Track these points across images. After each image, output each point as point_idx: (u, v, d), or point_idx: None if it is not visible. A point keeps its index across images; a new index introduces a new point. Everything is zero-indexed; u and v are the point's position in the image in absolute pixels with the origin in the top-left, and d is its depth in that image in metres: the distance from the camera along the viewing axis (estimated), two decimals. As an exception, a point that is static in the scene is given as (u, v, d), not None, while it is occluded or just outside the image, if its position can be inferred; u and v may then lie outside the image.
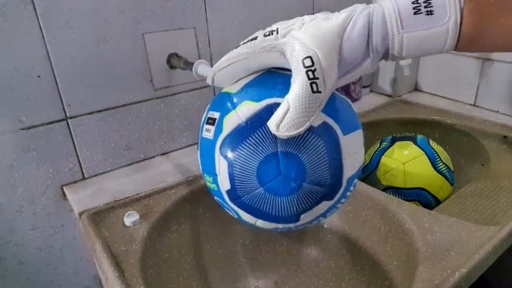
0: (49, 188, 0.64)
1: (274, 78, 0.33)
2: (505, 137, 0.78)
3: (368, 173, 0.75)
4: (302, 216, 0.33)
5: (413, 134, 0.75)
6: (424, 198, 0.69)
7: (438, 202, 0.70)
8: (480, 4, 0.27)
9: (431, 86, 1.05)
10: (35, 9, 0.55)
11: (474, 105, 0.94)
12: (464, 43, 0.28)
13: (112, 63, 0.64)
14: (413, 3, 0.27)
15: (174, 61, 0.68)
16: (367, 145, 0.79)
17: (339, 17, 0.29)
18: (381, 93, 1.08)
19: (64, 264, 0.70)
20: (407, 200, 0.61)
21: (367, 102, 1.01)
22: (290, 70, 0.30)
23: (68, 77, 0.60)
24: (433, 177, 0.69)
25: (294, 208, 0.32)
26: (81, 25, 0.59)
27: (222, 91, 0.36)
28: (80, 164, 0.66)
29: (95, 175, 0.68)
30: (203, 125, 0.35)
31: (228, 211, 0.36)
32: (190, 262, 0.59)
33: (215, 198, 0.37)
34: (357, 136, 0.34)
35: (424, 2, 0.27)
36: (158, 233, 0.56)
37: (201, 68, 0.55)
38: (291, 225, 0.34)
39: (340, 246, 0.63)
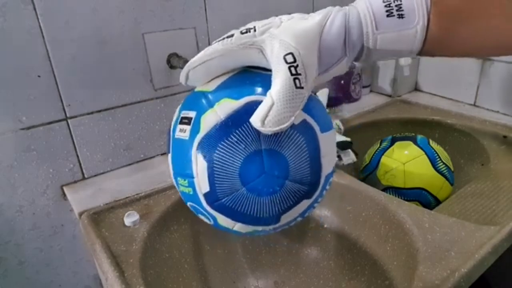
0: (49, 188, 0.64)
1: (252, 77, 0.32)
2: (505, 137, 0.78)
3: (368, 173, 0.75)
4: (283, 216, 0.32)
5: (413, 134, 0.75)
6: (424, 198, 0.69)
7: (438, 202, 0.70)
8: (444, 8, 0.28)
9: (431, 86, 1.05)
10: (35, 9, 0.55)
11: (474, 105, 0.94)
12: (431, 45, 0.29)
13: (112, 63, 0.64)
14: (386, 6, 0.28)
15: (174, 61, 0.68)
16: (367, 145, 0.79)
17: (316, 17, 0.29)
18: (381, 93, 1.08)
19: (64, 264, 0.70)
20: (407, 200, 0.61)
21: (367, 102, 1.01)
22: (265, 69, 0.30)
23: (68, 77, 0.60)
24: (433, 177, 0.69)
25: (276, 208, 0.31)
26: (81, 25, 0.59)
27: (196, 90, 0.34)
28: (80, 164, 0.66)
29: (95, 175, 0.68)
30: (175, 126, 0.33)
31: (203, 217, 0.34)
32: (190, 262, 0.59)
33: (188, 204, 0.34)
34: (332, 135, 0.34)
35: (396, 6, 0.28)
36: (158, 233, 0.56)
37: (201, 68, 0.55)
38: (271, 227, 0.33)
39: (340, 246, 0.63)
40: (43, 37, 0.56)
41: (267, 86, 0.29)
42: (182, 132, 0.32)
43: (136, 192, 0.62)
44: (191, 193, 0.32)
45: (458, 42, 0.30)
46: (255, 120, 0.28)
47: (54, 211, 0.65)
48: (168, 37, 0.68)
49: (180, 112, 0.34)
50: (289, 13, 0.33)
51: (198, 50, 0.72)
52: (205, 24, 0.72)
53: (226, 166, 0.30)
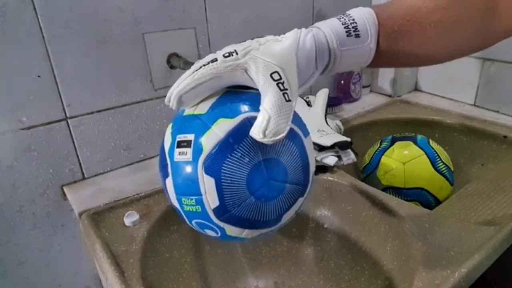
0: (49, 188, 0.64)
1: (238, 96, 0.35)
2: (505, 137, 0.78)
3: (368, 173, 0.75)
4: (284, 216, 0.36)
5: (413, 134, 0.75)
6: (424, 198, 0.69)
7: (438, 202, 0.70)
8: (387, 30, 0.35)
9: (431, 86, 1.05)
10: (35, 9, 0.55)
11: (474, 105, 0.94)
12: (379, 58, 0.36)
13: (112, 63, 0.64)
14: (345, 28, 0.34)
15: (174, 61, 0.68)
16: (367, 145, 0.79)
17: (289, 38, 0.33)
18: (381, 93, 1.08)
19: (64, 264, 0.70)
20: (407, 200, 0.61)
21: (367, 102, 1.01)
22: (246, 88, 0.34)
23: (68, 77, 0.60)
24: (433, 177, 0.69)
25: (279, 210, 0.35)
26: (81, 25, 0.59)
27: (186, 114, 0.36)
28: (80, 164, 0.66)
29: (95, 175, 0.68)
30: (171, 150, 0.35)
31: (209, 231, 0.36)
32: (190, 262, 0.59)
33: (193, 221, 0.36)
34: (311, 139, 0.39)
35: (352, 27, 0.34)
36: (158, 233, 0.56)
37: (201, 68, 0.55)
38: (274, 228, 0.36)
39: (340, 246, 0.63)
40: (43, 37, 0.56)
41: (254, 103, 0.32)
42: (183, 155, 0.34)
43: (136, 192, 0.62)
44: (199, 210, 0.34)
45: (401, 56, 0.37)
46: (257, 132, 0.30)
47: (54, 211, 0.65)
48: (168, 37, 0.68)
49: (174, 136, 0.35)
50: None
51: (198, 50, 0.72)
52: (205, 24, 0.72)
53: (234, 179, 0.32)
